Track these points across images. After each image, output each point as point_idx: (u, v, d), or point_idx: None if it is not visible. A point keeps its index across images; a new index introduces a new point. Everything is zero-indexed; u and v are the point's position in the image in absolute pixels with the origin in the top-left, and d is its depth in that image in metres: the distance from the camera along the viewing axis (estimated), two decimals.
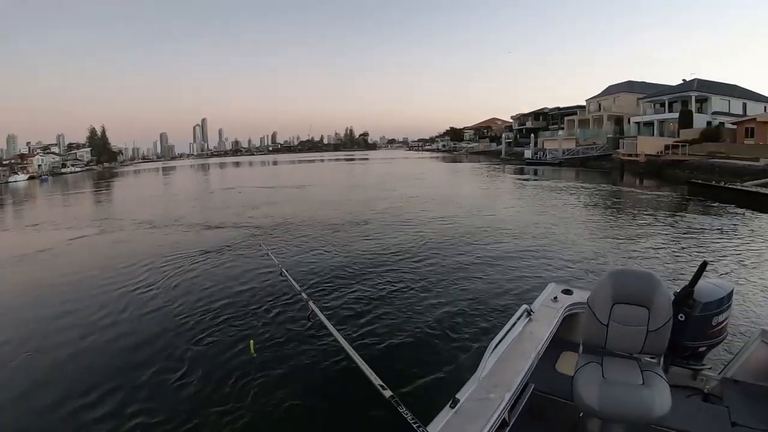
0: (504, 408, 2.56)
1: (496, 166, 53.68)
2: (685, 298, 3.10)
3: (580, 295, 4.00)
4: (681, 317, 3.05)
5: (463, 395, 2.61)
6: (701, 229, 14.65)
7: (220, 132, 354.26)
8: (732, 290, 3.15)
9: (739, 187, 23.27)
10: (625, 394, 2.72)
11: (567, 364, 3.70)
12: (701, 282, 3.09)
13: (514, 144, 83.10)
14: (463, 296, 8.45)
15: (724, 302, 3.03)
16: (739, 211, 18.54)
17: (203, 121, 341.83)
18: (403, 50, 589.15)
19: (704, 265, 3.08)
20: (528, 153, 62.22)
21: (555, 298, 4.06)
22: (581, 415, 3.14)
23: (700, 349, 3.11)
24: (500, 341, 3.19)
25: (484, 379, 2.66)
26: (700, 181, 26.30)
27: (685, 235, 13.45)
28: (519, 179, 36.21)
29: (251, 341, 4.89)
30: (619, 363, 2.96)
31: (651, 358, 3.10)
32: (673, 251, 11.62)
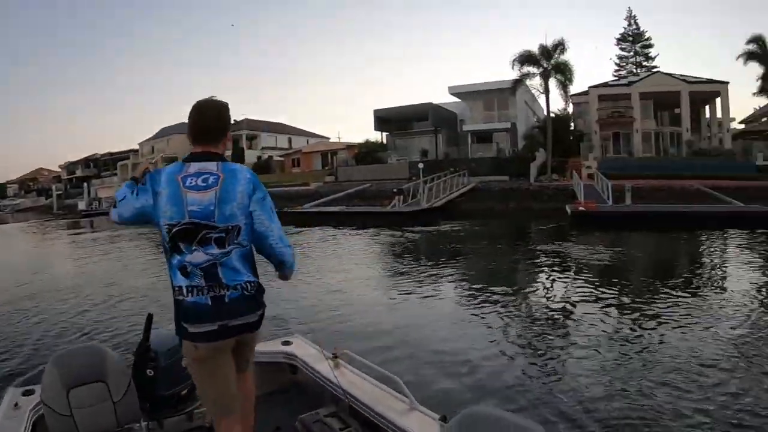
0: None
1: (50, 223, 48.04)
2: (144, 353, 3.14)
3: None
4: (151, 373, 3.11)
5: None
6: None
7: None
8: None
9: (301, 210, 31.46)
10: None
11: None
12: (154, 332, 3.20)
13: (64, 196, 77.75)
14: None
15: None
16: (299, 229, 24.91)
17: None
18: None
19: (150, 317, 3.21)
20: (82, 204, 60.72)
21: (16, 404, 3.30)
22: None
23: (183, 392, 3.23)
24: None
25: None
26: None
27: None
28: (73, 234, 34.25)
29: None
30: None
31: (140, 424, 3.15)
32: None
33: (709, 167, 33.71)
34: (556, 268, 13.81)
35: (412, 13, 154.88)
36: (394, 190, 31.52)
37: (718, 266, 14.26)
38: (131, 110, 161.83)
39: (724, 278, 12.28)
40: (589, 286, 11.15)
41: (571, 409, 4.96)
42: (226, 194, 2.36)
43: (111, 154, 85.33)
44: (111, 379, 2.95)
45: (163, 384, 3.13)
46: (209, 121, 2.52)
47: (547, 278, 12.79)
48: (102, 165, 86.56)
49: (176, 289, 2.38)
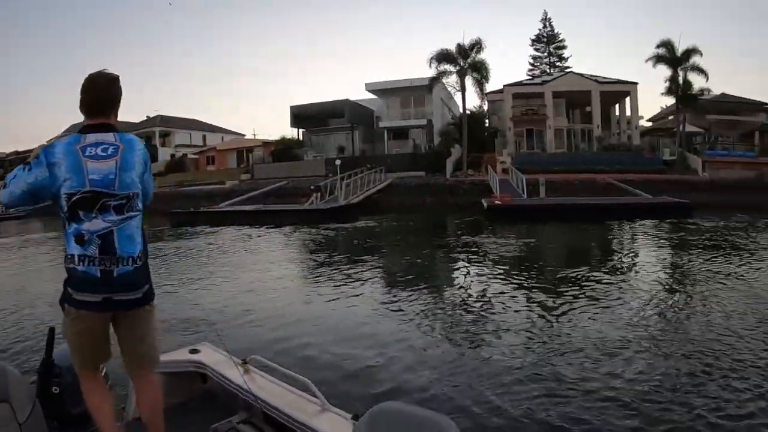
0: None
1: None
2: (48, 370, 3.01)
3: None
4: (56, 390, 2.99)
5: None
6: (177, 258, 16.08)
7: None
8: None
9: (216, 210, 30.88)
10: None
11: None
12: (58, 347, 3.03)
13: None
14: None
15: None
16: (214, 228, 24.75)
17: None
18: None
19: (52, 330, 3.07)
20: None
21: None
22: None
23: None
24: None
25: None
26: (179, 210, 30.55)
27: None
28: None
29: None
30: None
31: None
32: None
33: (618, 162, 35.63)
34: (471, 260, 14.22)
35: (328, 8, 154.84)
36: (312, 187, 31.44)
37: (625, 254, 15.15)
38: (37, 107, 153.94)
39: (630, 265, 13.02)
40: (502, 276, 11.53)
41: (481, 398, 5.04)
42: (126, 163, 2.50)
43: (17, 153, 79.32)
44: (15, 399, 2.76)
45: (70, 401, 2.98)
46: (102, 93, 2.61)
47: (461, 270, 13.14)
48: (8, 165, 79.73)
49: (69, 257, 2.43)
